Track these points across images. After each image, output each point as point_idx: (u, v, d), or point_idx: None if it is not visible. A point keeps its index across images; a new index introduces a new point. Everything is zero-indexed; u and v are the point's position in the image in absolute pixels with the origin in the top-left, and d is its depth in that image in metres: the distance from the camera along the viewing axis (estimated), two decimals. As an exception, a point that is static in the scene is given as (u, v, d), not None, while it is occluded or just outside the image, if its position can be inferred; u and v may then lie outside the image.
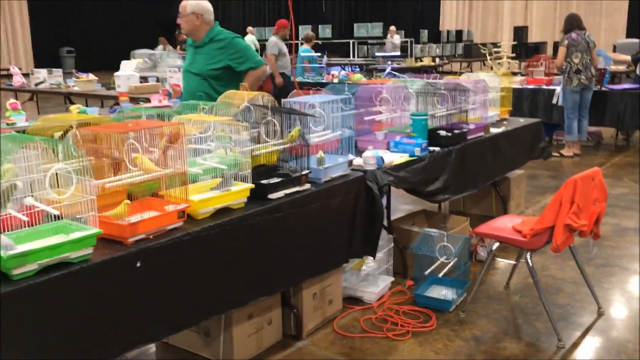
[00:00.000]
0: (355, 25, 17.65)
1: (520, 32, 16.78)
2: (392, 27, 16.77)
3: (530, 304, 3.45)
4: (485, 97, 4.36)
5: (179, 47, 16.03)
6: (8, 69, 11.31)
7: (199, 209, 2.36)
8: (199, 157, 2.69)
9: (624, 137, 8.26)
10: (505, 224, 3.28)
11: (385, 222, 3.85)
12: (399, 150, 3.64)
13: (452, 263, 3.42)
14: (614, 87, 7.62)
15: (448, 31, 19.97)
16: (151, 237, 2.15)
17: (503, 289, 3.66)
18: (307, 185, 2.83)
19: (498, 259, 4.09)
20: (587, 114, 7.33)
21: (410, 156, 3.58)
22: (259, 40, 18.42)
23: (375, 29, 17.10)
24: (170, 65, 10.19)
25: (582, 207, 2.91)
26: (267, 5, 25.84)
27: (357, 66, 13.90)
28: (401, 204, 5.24)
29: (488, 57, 8.73)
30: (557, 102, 7.70)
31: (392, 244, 3.69)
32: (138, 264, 2.05)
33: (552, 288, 3.66)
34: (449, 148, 3.85)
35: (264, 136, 2.81)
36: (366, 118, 3.78)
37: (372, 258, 3.40)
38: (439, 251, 3.43)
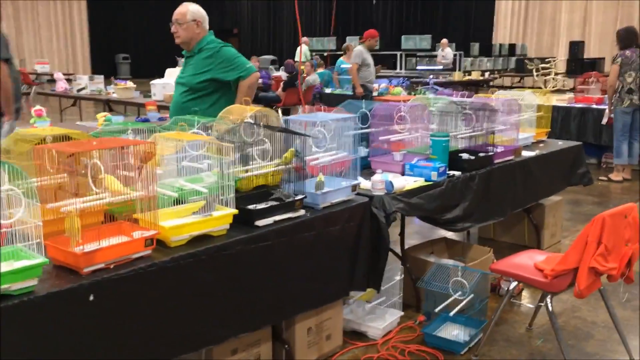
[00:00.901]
0: (403, 37, 17.34)
1: (576, 47, 16.11)
2: (444, 40, 16.38)
3: (554, 349, 3.11)
4: (517, 117, 4.03)
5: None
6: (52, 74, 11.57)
7: (171, 236, 2.17)
8: (189, 175, 2.51)
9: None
10: (526, 261, 2.96)
11: (399, 250, 3.59)
12: (414, 173, 3.37)
13: (467, 300, 3.12)
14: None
15: (500, 44, 19.41)
16: (112, 267, 1.97)
17: (525, 331, 3.32)
18: (302, 212, 2.60)
19: (516, 301, 3.74)
20: (638, 136, 6.84)
21: (426, 180, 3.31)
22: (317, 51, 18.36)
23: (424, 41, 16.76)
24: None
25: (611, 248, 2.57)
26: (319, 14, 25.84)
27: (405, 79, 13.61)
28: (429, 228, 4.94)
29: (535, 73, 8.30)
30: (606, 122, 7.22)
31: (403, 275, 3.41)
32: (91, 298, 1.87)
33: (582, 333, 3.30)
34: (471, 172, 3.55)
35: (255, 157, 2.61)
36: (381, 138, 3.53)
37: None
38: (453, 286, 3.13)
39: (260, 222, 2.44)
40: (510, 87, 17.83)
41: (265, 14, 27.60)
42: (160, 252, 2.14)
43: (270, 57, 18.78)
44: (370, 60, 8.43)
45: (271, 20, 27.51)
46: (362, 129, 3.67)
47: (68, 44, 23.33)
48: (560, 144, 4.68)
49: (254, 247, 2.37)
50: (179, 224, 2.20)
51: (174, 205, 2.34)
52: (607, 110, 6.95)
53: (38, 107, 5.52)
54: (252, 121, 2.68)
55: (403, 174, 3.41)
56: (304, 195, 2.61)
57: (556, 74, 8.03)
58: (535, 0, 20.64)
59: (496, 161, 3.81)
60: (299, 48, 17.20)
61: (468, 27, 22.43)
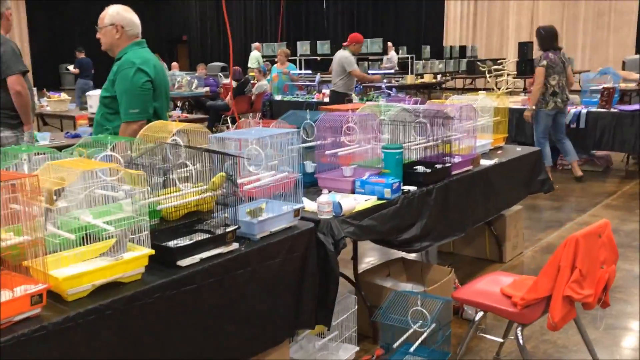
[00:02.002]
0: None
1: (524, 48, 16.14)
2: (389, 43, 16.23)
3: (525, 381, 2.81)
4: (474, 124, 3.75)
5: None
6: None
7: (67, 289, 1.76)
8: (104, 205, 2.10)
9: (635, 161, 7.62)
10: (491, 286, 2.66)
11: (352, 274, 3.25)
12: (365, 191, 3.03)
13: (428, 331, 2.79)
14: (624, 107, 6.99)
15: (451, 47, 19.42)
16: (-16, 335, 1.55)
17: (492, 360, 3.03)
18: (234, 245, 2.22)
19: (482, 325, 3.45)
20: (565, 136, 6.77)
21: (378, 199, 2.97)
22: (268, 57, 17.90)
23: (375, 44, 16.53)
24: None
25: (586, 273, 2.29)
26: (269, 19, 25.45)
27: (358, 84, 13.30)
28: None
29: (487, 75, 8.13)
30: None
31: (357, 303, 3.06)
32: (-48, 380, 1.45)
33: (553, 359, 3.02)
34: (428, 187, 3.24)
35: (176, 182, 2.22)
36: (327, 152, 3.18)
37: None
38: (413, 317, 2.80)
39: (183, 262, 2.05)
40: (463, 89, 17.84)
41: (214, 19, 27.03)
42: (55, 309, 1.73)
43: (220, 64, 18.26)
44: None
45: (221, 25, 26.95)
46: (307, 142, 3.33)
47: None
48: (519, 150, 4.44)
49: (175, 294, 1.98)
50: (76, 272, 1.79)
51: (82, 244, 1.93)
52: (526, 112, 6.79)
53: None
54: (173, 141, 2.29)
55: (353, 191, 3.07)
56: (236, 226, 2.23)
57: (508, 75, 7.87)
58: (483, 1, 20.79)
59: (454, 172, 3.52)
60: (252, 54, 16.86)
61: (419, 29, 22.44)
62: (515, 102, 7.75)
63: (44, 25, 23.16)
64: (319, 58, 17.43)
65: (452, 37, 21.57)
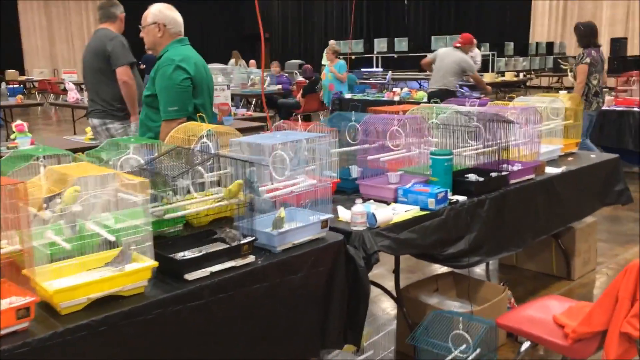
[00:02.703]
0: (432, 37, 16.66)
1: (617, 44, 15.12)
2: (474, 40, 15.58)
3: (581, 420, 2.50)
4: (539, 128, 3.42)
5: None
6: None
7: (60, 302, 1.67)
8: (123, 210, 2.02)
9: None
10: (543, 313, 2.37)
11: (394, 290, 3.03)
12: (408, 200, 2.81)
13: (471, 357, 2.54)
14: None
15: (537, 43, 18.51)
16: (-36, 350, 1.49)
17: (545, 393, 2.72)
18: (250, 258, 2.07)
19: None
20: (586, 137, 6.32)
21: (421, 209, 2.74)
22: (342, 54, 17.76)
23: (454, 41, 16.01)
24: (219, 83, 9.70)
25: (651, 306, 1.97)
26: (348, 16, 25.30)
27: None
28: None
29: (569, 74, 7.57)
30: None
31: (397, 319, 2.85)
32: None
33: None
34: (480, 197, 2.97)
35: (191, 189, 2.10)
36: (369, 158, 2.98)
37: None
38: (454, 341, 2.56)
39: (191, 275, 1.93)
40: (548, 88, 16.95)
41: (295, 17, 27.19)
42: (47, 323, 1.65)
43: (298, 61, 18.33)
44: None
45: (302, 23, 27.08)
46: (352, 145, 3.15)
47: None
48: (593, 157, 4.03)
49: (180, 309, 1.86)
50: (70, 284, 1.70)
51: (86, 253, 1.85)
52: None
53: (19, 121, 5.15)
54: (203, 144, 2.18)
55: (396, 200, 2.86)
56: (253, 238, 2.08)
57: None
58: (574, -4, 19.67)
59: (512, 181, 3.21)
60: (325, 51, 16.74)
61: (503, 25, 21.52)
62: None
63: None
64: (395, 55, 17.11)
65: (540, 32, 20.54)
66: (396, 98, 9.07)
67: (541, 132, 3.48)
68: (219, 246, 2.08)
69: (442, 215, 2.76)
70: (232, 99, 11.24)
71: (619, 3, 18.52)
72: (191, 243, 2.11)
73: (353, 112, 3.22)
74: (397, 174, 3.10)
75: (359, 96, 9.94)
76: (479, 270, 4.09)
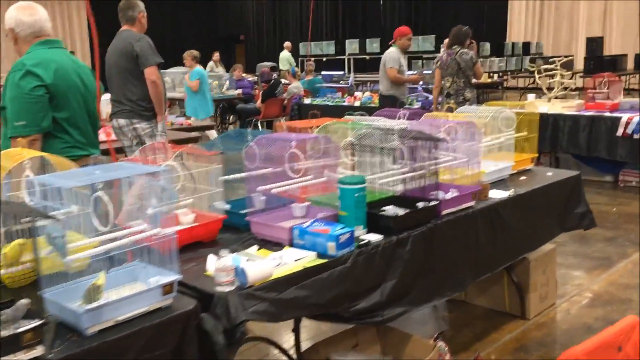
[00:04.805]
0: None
1: (593, 44, 14.71)
2: (446, 40, 15.12)
3: None
4: (477, 145, 2.86)
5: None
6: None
7: None
8: None
9: None
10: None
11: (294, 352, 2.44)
12: (306, 243, 2.22)
13: None
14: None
15: (514, 43, 18.06)
16: None
17: None
18: (38, 350, 1.47)
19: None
20: None
21: (319, 255, 2.16)
22: (315, 56, 17.19)
23: (427, 42, 15.55)
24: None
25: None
26: (323, 16, 24.71)
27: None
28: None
29: (537, 76, 7.06)
30: (626, 132, 5.96)
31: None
32: None
33: None
34: (400, 235, 2.39)
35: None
36: (259, 189, 2.39)
37: None
38: None
39: None
40: (524, 89, 16.47)
41: (270, 18, 26.58)
42: None
43: (270, 64, 17.70)
44: (405, 67, 6.99)
45: (277, 24, 26.47)
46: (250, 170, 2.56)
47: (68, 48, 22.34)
48: (550, 174, 3.48)
49: None
50: None
51: None
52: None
53: None
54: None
55: (292, 242, 2.27)
56: (41, 321, 1.48)
57: (562, 75, 6.77)
58: (550, -6, 19.28)
59: (445, 212, 2.64)
60: (281, 54, 16.16)
61: (479, 25, 21.06)
62: (570, 107, 6.66)
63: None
64: (367, 57, 16.54)
65: (516, 32, 20.14)
66: (357, 103, 8.51)
67: (481, 150, 2.91)
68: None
69: (347, 263, 2.18)
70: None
71: (595, 2, 18.15)
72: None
73: (249, 132, 2.63)
74: (303, 205, 2.52)
75: (318, 101, 9.37)
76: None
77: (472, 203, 2.78)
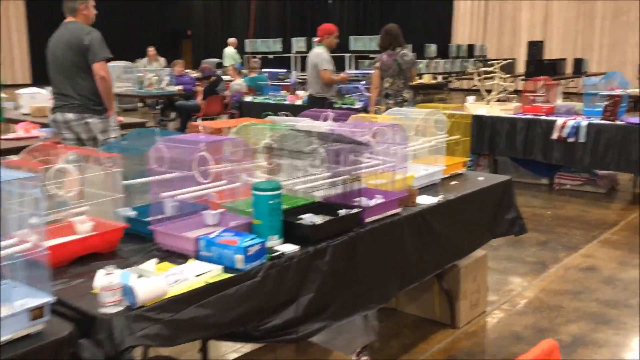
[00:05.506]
0: (351, 38, 16.08)
1: (534, 48, 15.00)
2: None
3: None
4: (405, 149, 2.73)
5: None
6: None
7: None
8: None
9: (646, 182, 6.50)
10: None
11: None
12: (213, 256, 2.04)
13: None
14: (632, 120, 5.87)
15: (458, 46, 18.27)
16: None
17: None
18: None
19: None
20: None
21: (226, 269, 1.97)
22: (262, 53, 16.91)
23: (373, 42, 15.48)
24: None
25: None
26: (272, 14, 24.43)
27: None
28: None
29: (476, 79, 7.05)
30: (561, 136, 6.00)
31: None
32: None
33: None
34: (319, 245, 2.23)
35: None
36: (162, 195, 2.18)
37: None
38: None
39: None
40: (468, 90, 16.67)
41: (218, 14, 26.11)
42: None
43: (216, 60, 17.30)
44: (333, 66, 6.58)
45: (224, 20, 26.02)
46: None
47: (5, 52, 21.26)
48: (481, 179, 3.40)
49: None
50: None
51: None
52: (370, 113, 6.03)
53: None
54: None
55: (198, 256, 2.08)
56: None
57: (501, 78, 6.79)
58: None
59: (369, 219, 2.50)
60: (226, 50, 15.85)
61: (426, 27, 21.27)
62: (508, 110, 6.68)
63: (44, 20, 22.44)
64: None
65: (461, 35, 20.44)
66: (298, 102, 8.35)
67: (409, 154, 2.79)
68: None
69: (257, 277, 2.00)
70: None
71: (537, 4, 18.58)
72: None
73: (157, 129, 2.42)
74: (216, 212, 2.33)
75: (260, 99, 9.16)
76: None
77: (398, 210, 2.65)
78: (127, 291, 1.69)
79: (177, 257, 2.09)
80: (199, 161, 2.23)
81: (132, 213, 2.34)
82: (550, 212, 5.61)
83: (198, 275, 1.90)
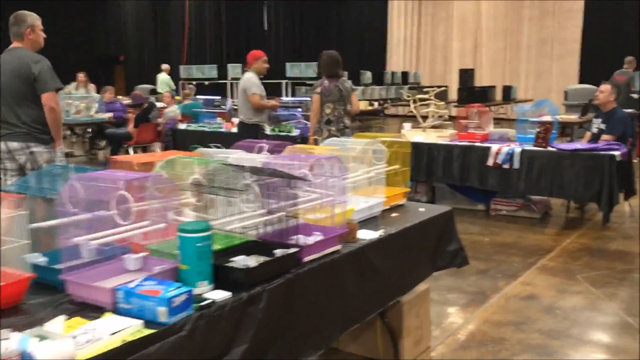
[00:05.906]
0: (287, 64, 16.07)
1: (465, 75, 15.43)
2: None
3: None
4: (343, 182, 2.59)
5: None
6: None
7: None
8: None
9: (577, 206, 6.65)
10: None
11: None
12: (133, 308, 1.81)
13: None
14: (563, 146, 6.02)
15: (393, 73, 18.61)
16: None
17: None
18: None
19: None
20: None
21: (148, 324, 1.75)
22: (197, 79, 16.63)
23: (309, 69, 15.58)
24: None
25: None
26: (208, 40, 24.16)
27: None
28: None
29: (412, 106, 7.09)
30: (496, 162, 6.06)
31: None
32: None
33: None
34: (253, 291, 2.05)
35: None
36: (73, 240, 1.95)
37: None
38: None
39: None
40: (404, 117, 16.93)
41: (152, 39, 25.58)
42: None
43: (150, 86, 16.87)
44: (264, 92, 6.49)
45: (159, 45, 25.52)
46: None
47: None
48: (422, 210, 3.30)
49: None
50: None
51: None
52: (310, 140, 6.13)
53: None
54: None
55: (115, 308, 1.85)
56: None
57: (436, 105, 6.85)
58: (427, 26, 20.16)
59: (307, 259, 2.33)
60: (159, 77, 15.53)
61: (361, 54, 21.57)
62: (444, 136, 6.72)
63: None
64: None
65: (396, 62, 20.82)
66: (234, 129, 8.15)
67: (348, 187, 2.65)
68: None
69: (182, 332, 1.79)
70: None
71: (467, 34, 19.18)
72: None
73: (72, 168, 2.19)
74: (138, 256, 2.11)
75: (194, 127, 8.90)
76: None
77: (338, 247, 2.50)
78: (27, 359, 1.45)
79: (92, 310, 1.85)
80: (118, 200, 2.01)
81: (41, 260, 2.09)
82: (488, 238, 5.62)
83: (113, 334, 1.67)
